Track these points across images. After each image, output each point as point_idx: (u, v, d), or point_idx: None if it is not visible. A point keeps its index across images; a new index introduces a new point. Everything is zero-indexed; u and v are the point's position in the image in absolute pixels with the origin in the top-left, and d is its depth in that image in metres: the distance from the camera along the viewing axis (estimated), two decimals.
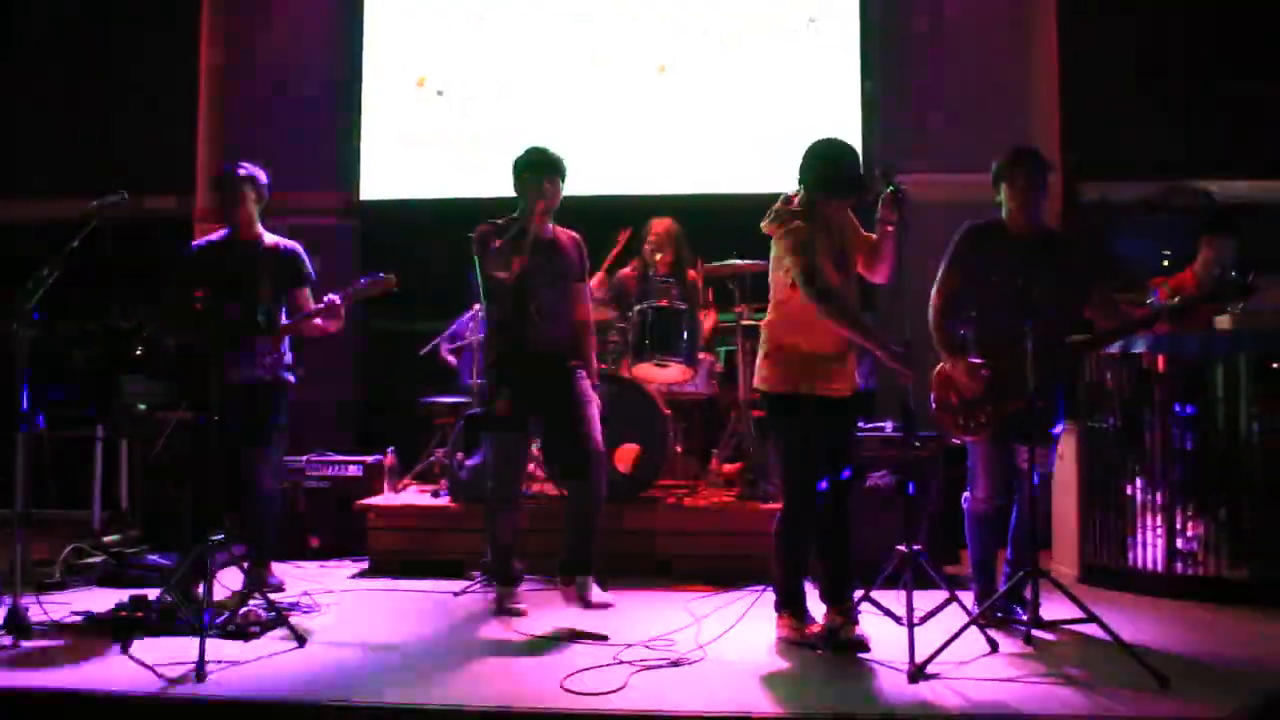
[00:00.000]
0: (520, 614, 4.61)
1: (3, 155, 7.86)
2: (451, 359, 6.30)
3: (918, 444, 4.56)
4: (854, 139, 6.69)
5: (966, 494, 4.50)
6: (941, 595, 4.17)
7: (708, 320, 6.27)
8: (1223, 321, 5.10)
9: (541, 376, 4.67)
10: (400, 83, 7.50)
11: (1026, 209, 4.33)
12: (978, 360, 4.28)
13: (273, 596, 4.49)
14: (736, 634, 4.20)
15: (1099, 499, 5.24)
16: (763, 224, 4.22)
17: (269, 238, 5.03)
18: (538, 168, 4.68)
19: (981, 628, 4.02)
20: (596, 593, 4.78)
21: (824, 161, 4.10)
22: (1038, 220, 4.39)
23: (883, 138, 6.93)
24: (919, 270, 4.83)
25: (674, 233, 6.18)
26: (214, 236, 5.06)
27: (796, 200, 4.16)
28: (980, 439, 4.36)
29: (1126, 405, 5.14)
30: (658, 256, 6.08)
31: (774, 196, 4.25)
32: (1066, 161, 6.95)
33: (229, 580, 4.69)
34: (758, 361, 4.25)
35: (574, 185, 4.81)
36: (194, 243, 5.14)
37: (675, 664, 3.87)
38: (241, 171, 4.95)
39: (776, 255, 4.15)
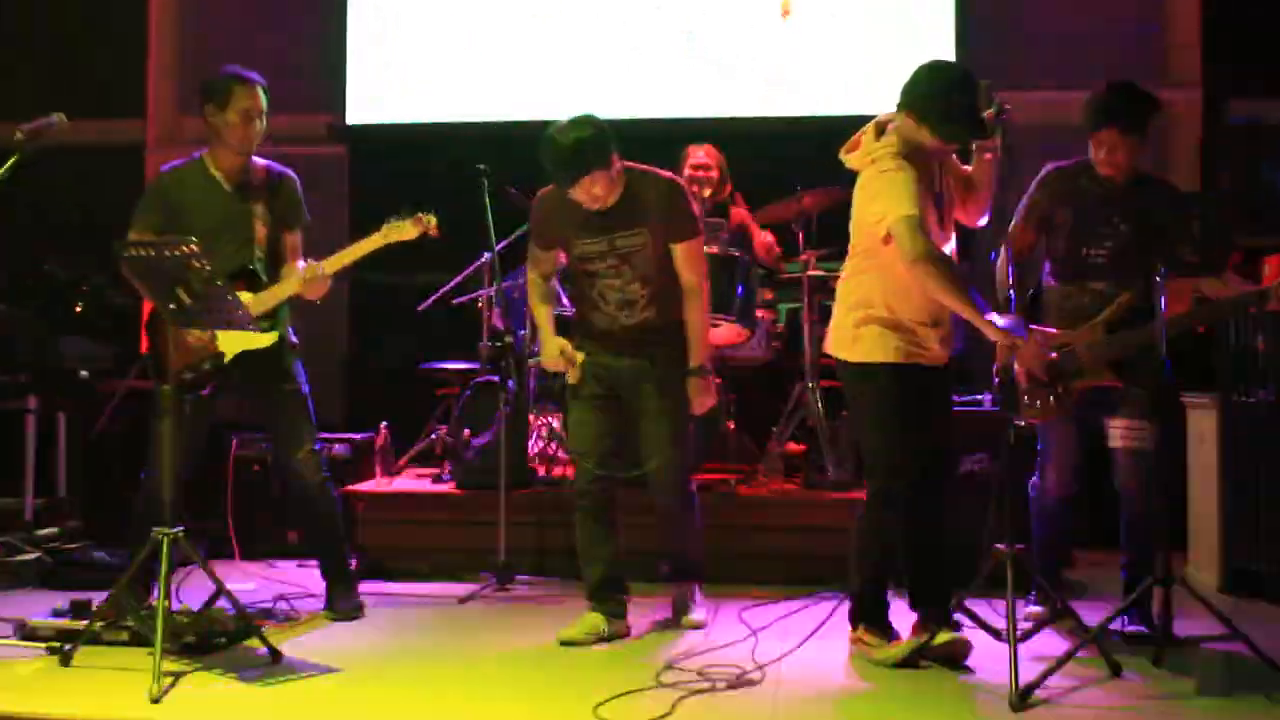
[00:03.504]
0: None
1: None
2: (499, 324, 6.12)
3: (1021, 421, 4.51)
4: (946, 44, 6.69)
5: (1034, 479, 4.67)
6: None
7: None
8: None
9: None
10: None
11: (1116, 164, 4.38)
12: (1051, 332, 4.32)
13: (244, 602, 4.44)
14: (803, 651, 4.21)
15: (1248, 489, 5.20)
16: (846, 155, 4.18)
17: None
18: None
19: (1102, 647, 4.00)
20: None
21: (949, 91, 3.96)
22: (1132, 169, 4.42)
23: (978, 46, 6.80)
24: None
25: (719, 162, 6.09)
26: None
27: (892, 128, 4.07)
28: (1048, 422, 4.48)
29: None
30: (707, 193, 5.99)
31: (842, 120, 4.16)
32: (1209, 74, 6.85)
33: (192, 583, 4.71)
34: (834, 322, 4.23)
35: (596, 109, 4.60)
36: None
37: (730, 687, 3.87)
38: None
39: (865, 197, 4.07)
